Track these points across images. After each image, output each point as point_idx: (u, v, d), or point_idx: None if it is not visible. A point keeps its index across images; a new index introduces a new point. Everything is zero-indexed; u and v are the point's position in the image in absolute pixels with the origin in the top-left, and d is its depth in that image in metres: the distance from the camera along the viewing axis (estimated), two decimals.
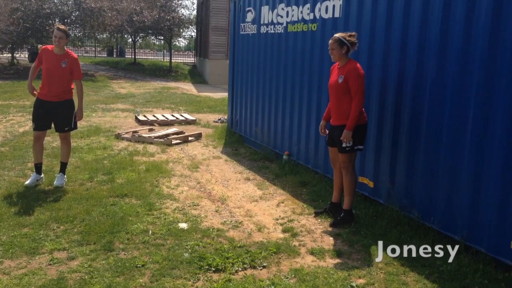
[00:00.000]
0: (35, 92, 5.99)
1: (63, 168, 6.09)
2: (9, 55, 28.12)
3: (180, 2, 28.52)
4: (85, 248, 4.16)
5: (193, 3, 29.68)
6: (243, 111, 8.94)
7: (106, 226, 4.60)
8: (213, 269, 3.84)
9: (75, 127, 6.15)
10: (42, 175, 6.10)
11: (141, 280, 3.63)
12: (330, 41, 4.79)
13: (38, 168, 6.03)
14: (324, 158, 6.20)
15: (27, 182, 5.88)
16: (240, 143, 8.72)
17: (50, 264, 3.86)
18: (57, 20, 26.45)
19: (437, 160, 4.48)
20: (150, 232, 4.55)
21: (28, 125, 10.02)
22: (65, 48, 5.94)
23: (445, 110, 4.37)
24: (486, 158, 4.00)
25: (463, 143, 4.20)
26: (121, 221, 4.75)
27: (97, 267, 3.81)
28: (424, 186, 4.64)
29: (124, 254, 4.07)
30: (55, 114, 5.94)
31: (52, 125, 6.04)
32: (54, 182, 5.91)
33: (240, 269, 3.87)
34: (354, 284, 3.67)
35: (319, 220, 5.02)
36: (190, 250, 4.16)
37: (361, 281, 3.74)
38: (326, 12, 6.19)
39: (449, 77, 4.33)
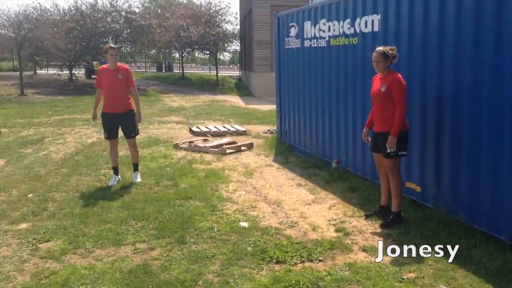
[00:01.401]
0: (96, 121, 7.07)
1: (136, 167, 7.10)
2: (68, 72, 29.78)
3: (223, 17, 29.30)
4: (161, 240, 4.77)
5: (236, 18, 30.37)
6: (291, 122, 9.43)
7: (177, 223, 5.20)
8: (274, 261, 4.34)
9: (138, 133, 7.16)
10: (119, 176, 7.06)
11: (212, 268, 4.18)
12: (374, 54, 5.22)
13: (115, 170, 7.03)
14: (371, 164, 6.58)
15: (110, 183, 6.86)
16: (290, 152, 9.20)
17: (134, 253, 4.49)
18: (110, 37, 27.94)
19: (479, 163, 4.80)
20: (216, 229, 5.10)
21: (95, 137, 10.91)
22: (118, 63, 6.83)
23: (483, 113, 4.70)
24: None
25: (503, 144, 4.49)
26: (189, 220, 5.34)
27: (174, 256, 4.40)
28: (469, 189, 4.96)
29: (195, 247, 4.64)
30: (121, 124, 6.90)
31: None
32: (133, 180, 6.95)
33: (298, 261, 4.34)
34: (405, 277, 4.06)
35: (370, 222, 5.41)
36: (252, 245, 4.67)
37: (412, 275, 4.10)
38: (366, 27, 6.63)
39: (484, 83, 4.68)
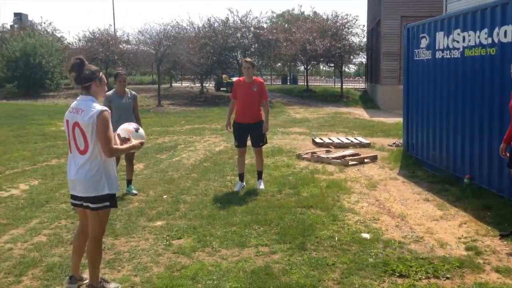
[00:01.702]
0: (229, 129, 7.40)
1: (260, 175, 7.38)
2: (199, 84, 31.78)
3: (350, 30, 29.05)
4: (282, 246, 4.89)
5: (363, 30, 29.95)
6: (419, 135, 9.07)
7: (298, 230, 5.29)
8: (397, 274, 4.22)
9: (266, 142, 7.46)
10: (244, 183, 7.39)
11: (332, 276, 4.19)
12: None
13: (241, 177, 7.35)
14: (509, 181, 6.09)
15: (235, 189, 7.21)
16: (416, 166, 8.84)
17: (257, 255, 4.67)
18: (239, 52, 29.31)
19: None
20: (336, 238, 5.09)
21: (223, 145, 11.51)
22: (253, 76, 7.06)
23: None
24: None
25: None
26: (310, 227, 5.40)
27: (294, 262, 4.49)
28: None
29: (316, 254, 4.69)
30: (251, 133, 7.21)
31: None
32: (257, 187, 7.24)
33: (423, 277, 4.17)
34: None
35: (505, 242, 5.00)
36: (374, 257, 4.59)
37: None
38: (505, 36, 6.18)
39: None
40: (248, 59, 7.30)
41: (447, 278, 4.15)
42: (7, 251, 4.90)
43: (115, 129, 3.96)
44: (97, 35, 36.30)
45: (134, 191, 7.04)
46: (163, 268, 4.43)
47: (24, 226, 5.66)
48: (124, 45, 36.12)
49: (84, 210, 3.87)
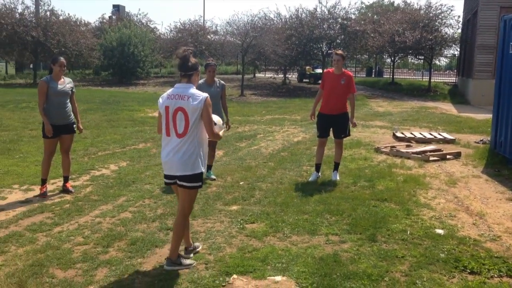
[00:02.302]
0: (313, 118, 7.49)
1: (337, 167, 7.41)
2: (282, 75, 32.03)
3: (444, 21, 27.71)
4: (353, 236, 4.95)
5: (458, 22, 28.42)
6: (508, 133, 8.60)
7: (370, 222, 5.31)
8: (468, 271, 4.14)
9: (349, 134, 7.45)
10: (320, 174, 7.46)
11: (401, 268, 4.20)
12: None
13: (317, 167, 7.45)
14: None
15: (310, 179, 7.32)
16: (503, 165, 8.42)
17: (326, 243, 4.77)
18: (324, 43, 29.09)
19: None
20: (409, 232, 5.06)
21: (301, 136, 11.65)
22: (342, 69, 7.04)
23: None
24: None
25: None
26: (382, 220, 5.40)
27: (363, 252, 4.54)
28: None
29: (386, 246, 4.70)
30: (334, 125, 7.24)
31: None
32: (332, 178, 7.30)
33: (495, 275, 4.07)
34: None
35: None
36: (446, 252, 4.52)
37: None
38: None
39: None
40: (339, 51, 7.21)
41: None
42: (97, 224, 5.39)
43: None
44: (187, 26, 37.76)
45: (213, 176, 7.38)
46: (235, 249, 4.67)
47: (113, 203, 6.17)
48: (212, 35, 37.31)
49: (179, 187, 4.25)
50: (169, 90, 4.23)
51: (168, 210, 5.86)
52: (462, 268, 4.18)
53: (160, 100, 4.21)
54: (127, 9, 49.57)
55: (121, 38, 32.04)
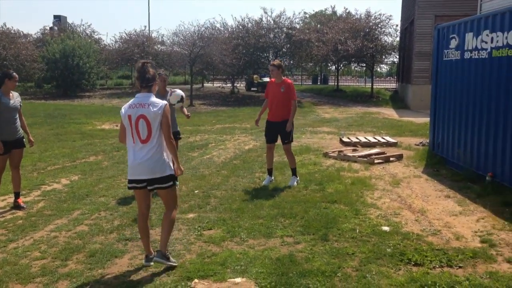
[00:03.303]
0: (258, 125, 7.87)
1: (293, 172, 7.70)
2: (230, 85, 32.32)
3: (383, 30, 28.96)
4: (306, 236, 5.22)
5: (396, 30, 29.85)
6: (445, 134, 9.21)
7: (322, 223, 5.61)
8: (413, 263, 4.49)
9: (291, 140, 7.72)
10: (273, 178, 7.76)
11: (352, 264, 4.50)
12: None
13: (269, 172, 7.73)
14: None
15: (264, 183, 7.63)
16: (441, 164, 9.00)
17: (282, 245, 5.01)
18: (270, 52, 29.66)
19: None
20: (357, 230, 5.39)
21: (252, 144, 11.89)
22: (282, 77, 7.44)
23: None
24: None
25: None
26: (333, 220, 5.71)
27: (317, 251, 4.81)
28: None
29: (337, 244, 5.00)
30: (279, 131, 7.57)
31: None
32: (289, 183, 7.54)
33: (437, 266, 4.44)
34: None
35: None
36: (392, 247, 4.87)
37: None
38: None
39: None
40: (274, 62, 7.65)
41: (460, 267, 4.40)
42: (53, 238, 5.38)
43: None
44: (133, 36, 37.33)
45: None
46: (195, 255, 4.82)
47: (67, 217, 6.15)
48: (159, 46, 37.07)
49: (145, 192, 4.50)
50: (130, 101, 4.42)
51: (125, 221, 5.92)
52: (407, 261, 4.53)
53: (122, 110, 4.40)
54: (69, 20, 48.39)
55: (64, 50, 31.29)
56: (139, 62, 4.47)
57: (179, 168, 4.53)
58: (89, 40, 37.60)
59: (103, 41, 44.02)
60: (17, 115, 6.55)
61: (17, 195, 6.69)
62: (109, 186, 7.71)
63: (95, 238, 5.35)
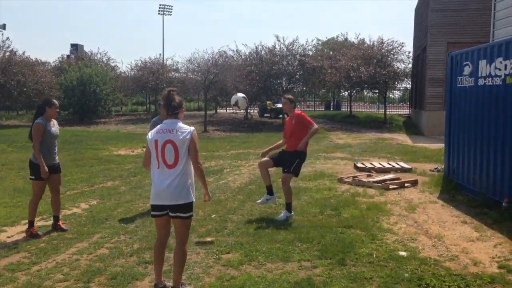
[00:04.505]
0: (263, 157, 7.53)
1: (287, 206, 7.25)
2: (244, 111, 32.64)
3: (395, 56, 29.18)
4: (323, 261, 5.27)
5: (408, 57, 30.06)
6: (460, 160, 9.24)
7: (338, 248, 5.65)
8: (431, 287, 4.51)
9: (292, 172, 7.22)
10: (274, 195, 7.55)
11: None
12: None
13: (268, 189, 7.47)
14: None
15: (258, 201, 7.62)
16: (457, 190, 9.00)
17: (300, 269, 5.07)
18: (284, 79, 30.00)
19: None
20: (374, 255, 5.43)
21: None
22: (294, 110, 7.47)
23: None
24: None
25: None
26: (350, 245, 5.75)
27: (334, 275, 4.86)
28: None
29: (354, 269, 5.04)
30: (286, 158, 7.30)
31: None
32: (278, 217, 7.16)
33: None
34: None
35: None
36: (409, 272, 4.90)
37: None
38: None
39: None
40: (289, 96, 7.55)
41: None
42: (75, 261, 5.49)
43: None
44: (148, 64, 38.09)
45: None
46: (214, 278, 4.89)
47: (88, 240, 6.27)
48: (173, 73, 37.75)
49: (166, 219, 4.51)
50: (158, 126, 4.54)
51: (145, 244, 6.01)
52: (425, 286, 4.56)
53: (149, 135, 4.52)
54: (86, 48, 49.59)
55: (82, 77, 32.00)
56: (165, 90, 4.62)
57: (207, 193, 4.64)
58: (106, 68, 38.40)
59: (119, 68, 45.02)
60: (56, 142, 6.83)
61: (56, 218, 6.90)
62: (127, 211, 7.83)
63: (116, 261, 5.45)
